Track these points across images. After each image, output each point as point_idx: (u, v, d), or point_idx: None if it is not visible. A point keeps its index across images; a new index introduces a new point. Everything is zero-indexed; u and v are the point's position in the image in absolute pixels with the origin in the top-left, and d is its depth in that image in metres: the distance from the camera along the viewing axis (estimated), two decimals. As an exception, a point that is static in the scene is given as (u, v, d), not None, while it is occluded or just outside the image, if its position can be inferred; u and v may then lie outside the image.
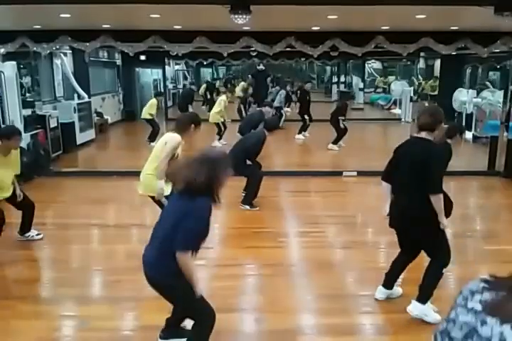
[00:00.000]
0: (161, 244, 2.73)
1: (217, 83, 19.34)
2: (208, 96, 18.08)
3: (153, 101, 11.38)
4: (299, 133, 12.22)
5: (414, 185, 3.52)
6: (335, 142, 10.73)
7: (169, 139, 4.54)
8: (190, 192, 2.67)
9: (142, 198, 7.37)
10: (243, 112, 14.17)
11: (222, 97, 11.45)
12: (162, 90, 17.86)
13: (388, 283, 3.97)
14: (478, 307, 1.16)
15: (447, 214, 3.63)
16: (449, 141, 5.02)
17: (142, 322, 3.70)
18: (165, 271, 2.71)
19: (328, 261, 4.84)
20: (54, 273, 4.69)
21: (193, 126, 4.58)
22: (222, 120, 11.13)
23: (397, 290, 4.06)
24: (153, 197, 4.74)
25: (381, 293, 3.97)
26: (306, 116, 12.08)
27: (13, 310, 3.89)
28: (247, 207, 6.44)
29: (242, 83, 18.04)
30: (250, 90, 15.41)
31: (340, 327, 3.59)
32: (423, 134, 3.59)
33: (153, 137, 10.80)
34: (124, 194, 7.48)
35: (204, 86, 19.33)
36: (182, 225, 2.60)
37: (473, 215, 6.77)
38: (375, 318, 3.77)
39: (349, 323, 3.68)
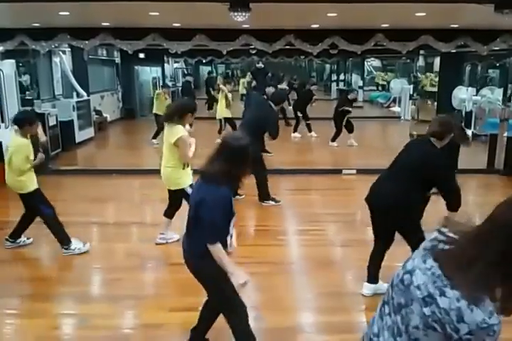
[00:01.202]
0: (190, 233, 2.79)
1: (218, 79, 19.16)
2: (212, 93, 17.89)
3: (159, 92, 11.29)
4: (294, 131, 12.21)
5: (406, 176, 3.66)
6: (333, 139, 10.77)
7: (179, 132, 4.62)
8: (207, 181, 2.66)
9: (142, 196, 7.41)
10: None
11: (223, 88, 10.92)
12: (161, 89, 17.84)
13: (372, 277, 3.99)
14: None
15: (455, 208, 3.83)
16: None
17: (142, 320, 3.70)
18: (197, 258, 2.75)
19: (327, 259, 4.85)
20: (53, 272, 4.69)
21: (189, 113, 4.70)
22: (231, 115, 10.71)
23: (384, 285, 4.06)
24: (174, 191, 4.87)
25: (368, 289, 3.99)
26: (299, 114, 12.04)
27: (13, 308, 3.89)
28: (271, 202, 6.40)
29: (243, 80, 17.94)
30: (254, 83, 15.22)
31: (340, 325, 3.60)
32: (432, 139, 3.71)
33: (157, 135, 10.66)
34: (124, 192, 7.48)
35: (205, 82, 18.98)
36: (201, 216, 2.63)
37: (472, 213, 6.76)
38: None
39: (349, 321, 3.68)
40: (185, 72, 21.86)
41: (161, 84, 17.88)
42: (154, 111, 11.13)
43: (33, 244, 5.18)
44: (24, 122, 4.65)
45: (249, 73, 19.00)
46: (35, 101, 9.59)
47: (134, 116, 16.18)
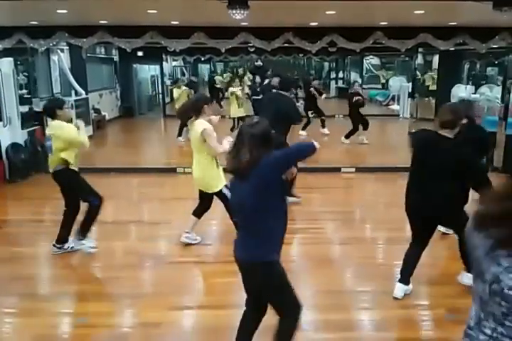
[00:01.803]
0: (252, 232, 2.68)
1: (217, 79, 19.08)
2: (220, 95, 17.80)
3: (184, 90, 11.41)
4: (303, 129, 12.21)
5: (446, 179, 3.56)
6: (347, 136, 10.76)
7: (201, 127, 4.58)
8: (242, 175, 2.60)
9: (140, 195, 7.40)
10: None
11: (232, 90, 11.19)
12: (160, 86, 17.84)
13: (406, 279, 3.92)
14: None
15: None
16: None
17: (140, 319, 3.69)
18: (259, 256, 2.67)
19: (326, 257, 4.84)
20: (52, 270, 4.68)
21: (204, 105, 4.68)
22: (244, 114, 10.92)
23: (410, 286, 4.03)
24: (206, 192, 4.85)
25: (400, 290, 3.91)
26: (310, 114, 12.03)
27: (11, 307, 3.89)
28: (292, 199, 6.17)
29: (245, 77, 17.82)
30: (258, 79, 15.11)
31: (339, 323, 3.59)
32: (445, 132, 3.60)
33: (181, 131, 10.93)
34: (122, 190, 7.47)
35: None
36: (268, 192, 2.56)
37: (471, 210, 6.77)
38: (374, 314, 3.77)
39: (347, 319, 3.68)
40: (187, 74, 21.85)
41: (158, 81, 17.92)
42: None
43: (31, 242, 5.17)
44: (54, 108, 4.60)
45: (247, 72, 18.98)
46: (33, 99, 9.56)
47: (132, 115, 16.16)
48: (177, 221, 5.87)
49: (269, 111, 5.97)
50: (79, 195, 4.77)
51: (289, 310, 2.74)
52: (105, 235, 5.58)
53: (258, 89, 12.06)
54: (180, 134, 11.00)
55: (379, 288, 4.11)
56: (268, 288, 2.72)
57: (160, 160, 9.82)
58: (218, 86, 18.12)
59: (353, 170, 8.49)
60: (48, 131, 4.68)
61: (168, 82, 18.21)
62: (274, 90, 7.36)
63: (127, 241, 5.32)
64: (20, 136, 8.13)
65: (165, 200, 6.83)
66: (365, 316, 3.78)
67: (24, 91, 9.89)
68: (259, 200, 2.57)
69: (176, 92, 11.50)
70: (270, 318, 2.79)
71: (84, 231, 4.78)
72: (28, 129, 8.46)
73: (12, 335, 3.55)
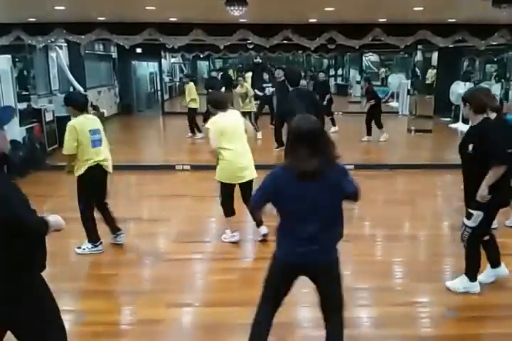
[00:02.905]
0: (325, 229, 2.81)
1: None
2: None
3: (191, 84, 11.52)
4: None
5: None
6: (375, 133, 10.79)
7: (239, 115, 4.96)
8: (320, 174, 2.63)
9: (139, 192, 7.39)
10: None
11: (237, 90, 11.30)
12: (159, 83, 17.77)
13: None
14: None
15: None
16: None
17: (139, 316, 3.69)
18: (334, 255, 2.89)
19: (325, 254, 4.83)
20: (51, 267, 4.64)
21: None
22: (254, 109, 11.05)
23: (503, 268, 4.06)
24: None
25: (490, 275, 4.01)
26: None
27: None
28: None
29: (247, 75, 17.65)
30: (265, 75, 14.99)
31: (338, 320, 3.58)
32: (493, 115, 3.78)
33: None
34: (121, 188, 7.45)
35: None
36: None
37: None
38: (371, 311, 3.77)
39: (346, 316, 3.65)
40: (182, 67, 21.64)
41: (157, 78, 17.79)
42: (192, 106, 11.38)
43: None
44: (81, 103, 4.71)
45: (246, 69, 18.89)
46: (31, 96, 9.53)
47: (131, 112, 16.13)
48: (176, 218, 5.87)
49: (303, 106, 6.15)
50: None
51: (343, 302, 2.93)
52: (104, 232, 5.57)
53: (264, 85, 12.02)
54: (194, 130, 11.09)
55: (378, 285, 4.11)
56: (339, 284, 2.95)
57: (159, 158, 9.81)
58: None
59: (352, 167, 8.47)
60: (93, 126, 4.71)
61: (166, 79, 18.16)
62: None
63: (126, 238, 5.31)
64: (19, 134, 8.10)
65: (164, 197, 6.82)
66: (364, 313, 3.78)
67: (22, 88, 9.86)
68: (338, 201, 2.75)
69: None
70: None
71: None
72: (27, 126, 8.44)
73: (10, 333, 3.54)
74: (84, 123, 4.63)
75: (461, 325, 3.58)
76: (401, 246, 5.12)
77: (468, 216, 3.69)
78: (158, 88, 17.90)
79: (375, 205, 6.59)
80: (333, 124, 12.04)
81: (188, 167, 8.43)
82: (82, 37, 8.49)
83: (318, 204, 2.63)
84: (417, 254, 5.01)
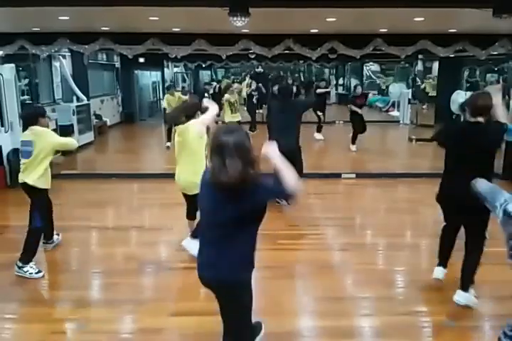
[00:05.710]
0: (225, 244, 2.74)
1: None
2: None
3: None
4: (319, 131, 12.26)
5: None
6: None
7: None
8: (228, 190, 2.50)
9: (141, 201, 7.40)
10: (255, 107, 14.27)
11: (226, 97, 10.66)
12: (161, 92, 17.84)
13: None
14: None
15: None
16: None
17: (140, 325, 3.68)
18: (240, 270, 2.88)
19: (327, 263, 4.84)
20: (52, 276, 4.68)
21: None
22: (237, 120, 10.47)
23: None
24: None
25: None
26: (319, 113, 12.05)
27: (11, 313, 3.88)
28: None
29: (245, 82, 17.74)
30: (253, 86, 15.02)
31: (339, 329, 3.58)
32: (480, 119, 3.73)
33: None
34: (123, 196, 7.49)
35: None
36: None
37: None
38: (374, 321, 3.76)
39: (348, 326, 3.67)
40: (188, 81, 21.44)
41: (160, 88, 17.88)
42: None
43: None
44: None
45: (248, 77, 18.98)
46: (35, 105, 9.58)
47: (133, 120, 16.20)
48: (178, 226, 5.87)
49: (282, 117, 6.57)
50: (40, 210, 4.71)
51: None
52: (106, 241, 5.59)
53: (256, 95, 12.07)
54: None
55: (379, 294, 4.11)
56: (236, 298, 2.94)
57: (161, 166, 9.83)
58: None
59: (354, 176, 8.50)
60: (25, 137, 4.58)
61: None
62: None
63: (128, 246, 5.32)
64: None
65: (166, 206, 6.83)
66: (366, 322, 3.77)
67: (26, 97, 9.94)
68: (238, 214, 2.49)
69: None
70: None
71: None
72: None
73: (12, 341, 3.54)
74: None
75: (461, 334, 3.57)
76: (402, 255, 5.12)
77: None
78: (161, 97, 17.99)
79: (376, 214, 6.60)
80: (318, 130, 12.10)
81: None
82: (86, 46, 8.56)
83: (216, 213, 2.54)
84: (419, 263, 5.00)
